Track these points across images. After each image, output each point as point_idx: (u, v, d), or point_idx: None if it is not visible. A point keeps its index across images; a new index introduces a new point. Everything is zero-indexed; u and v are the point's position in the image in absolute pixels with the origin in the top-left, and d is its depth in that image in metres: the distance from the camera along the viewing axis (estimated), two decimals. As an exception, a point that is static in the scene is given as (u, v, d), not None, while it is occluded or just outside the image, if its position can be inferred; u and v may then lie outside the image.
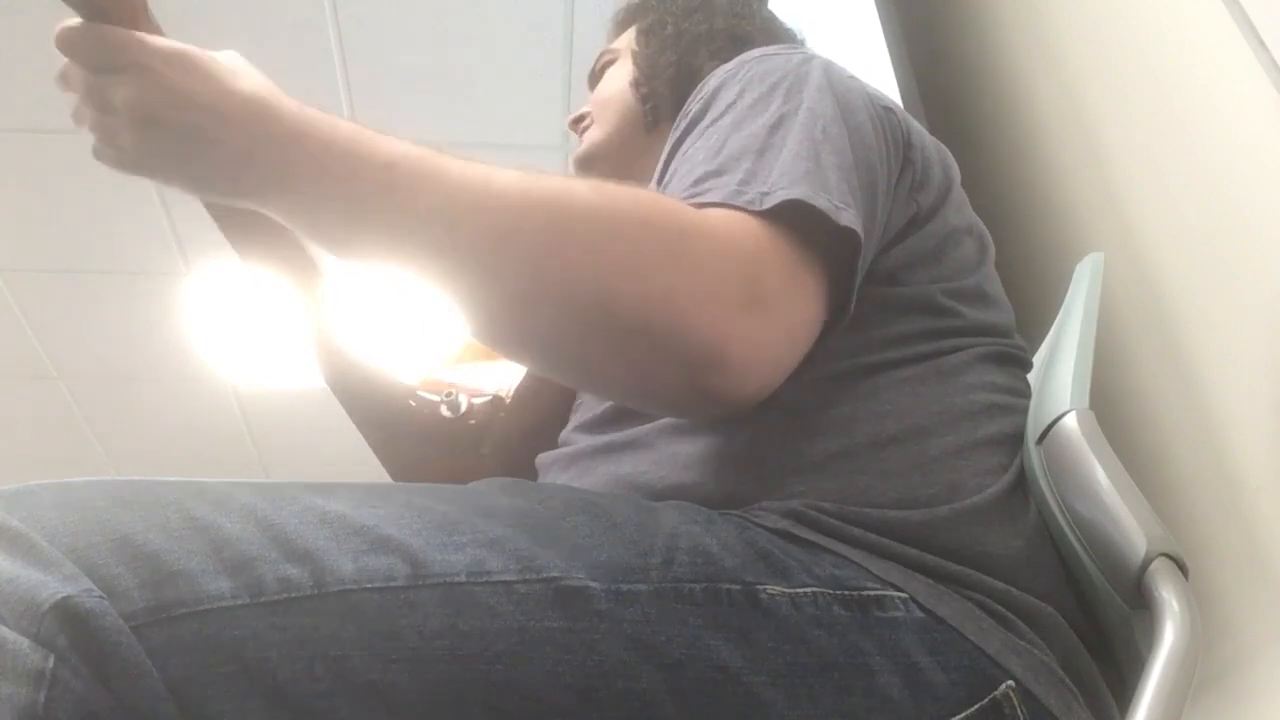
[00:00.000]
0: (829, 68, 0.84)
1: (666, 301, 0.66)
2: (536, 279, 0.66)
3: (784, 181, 0.71)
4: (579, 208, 0.67)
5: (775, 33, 1.15)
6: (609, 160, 1.11)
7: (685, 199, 0.72)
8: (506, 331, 0.71)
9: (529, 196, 0.67)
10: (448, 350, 1.12)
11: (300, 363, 3.15)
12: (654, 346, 0.66)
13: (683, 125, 0.84)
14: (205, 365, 3.22)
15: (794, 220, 0.70)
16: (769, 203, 0.70)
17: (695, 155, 0.77)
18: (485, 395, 1.04)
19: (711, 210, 0.71)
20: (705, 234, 0.68)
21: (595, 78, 1.19)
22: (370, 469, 0.99)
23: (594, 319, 0.66)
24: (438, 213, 0.66)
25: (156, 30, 0.71)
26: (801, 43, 1.18)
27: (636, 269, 0.66)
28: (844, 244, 0.72)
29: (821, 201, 0.70)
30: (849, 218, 0.71)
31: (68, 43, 0.69)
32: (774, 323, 0.69)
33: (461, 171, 0.67)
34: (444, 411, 1.02)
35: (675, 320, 0.66)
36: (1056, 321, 0.95)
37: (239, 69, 0.70)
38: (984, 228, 0.93)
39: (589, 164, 1.13)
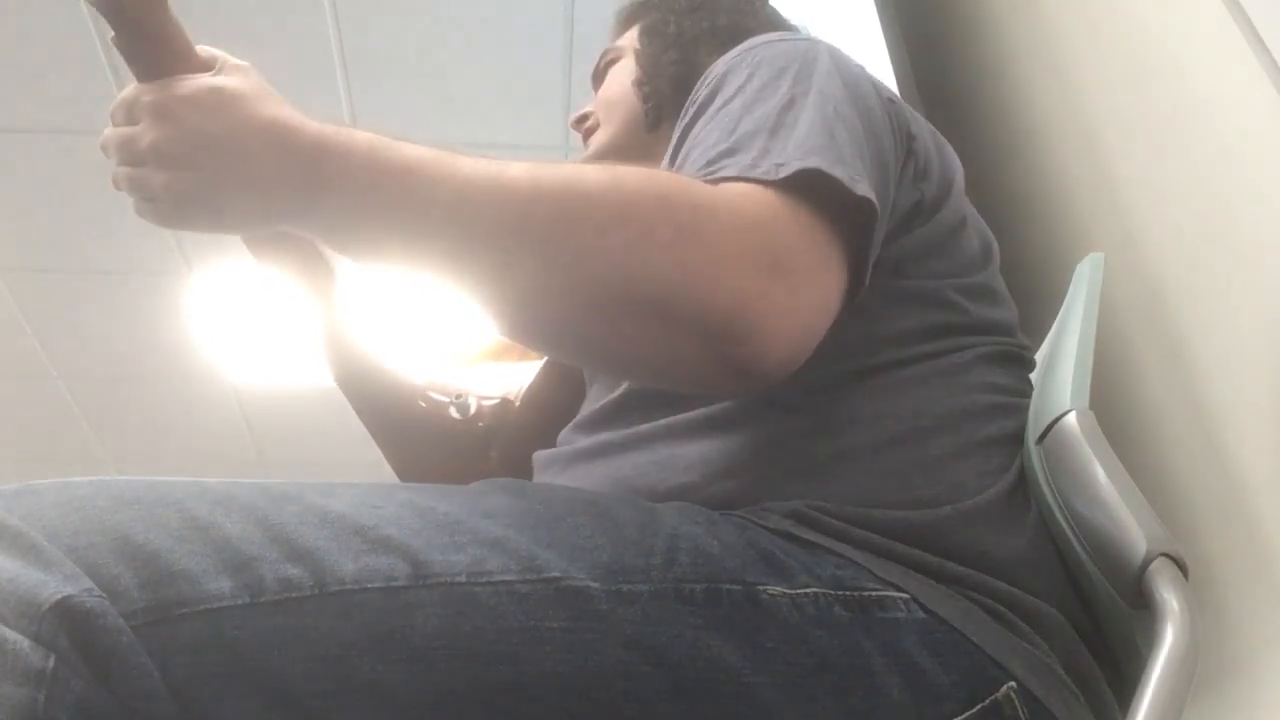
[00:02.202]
0: (835, 53, 0.84)
1: (683, 276, 0.65)
2: (552, 265, 0.66)
3: (799, 153, 0.71)
4: (589, 191, 0.67)
5: (777, 27, 1.15)
6: (615, 160, 1.10)
7: (700, 177, 0.72)
8: (530, 322, 0.71)
9: (539, 184, 0.67)
10: (457, 351, 1.12)
11: (301, 362, 3.15)
12: (676, 322, 0.66)
13: (690, 112, 0.84)
14: (206, 365, 3.22)
15: (810, 189, 0.70)
16: (784, 172, 0.69)
17: (707, 138, 0.77)
18: (494, 397, 1.04)
19: (726, 184, 0.70)
20: (720, 206, 0.68)
21: (599, 76, 1.19)
22: (371, 469, 0.99)
23: (613, 301, 0.66)
24: (452, 210, 0.67)
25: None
26: (802, 32, 1.17)
27: (651, 246, 0.66)
28: (860, 214, 0.71)
29: (839, 171, 0.70)
30: (865, 188, 0.71)
31: (111, 114, 0.73)
32: (796, 290, 0.68)
33: (473, 167, 0.68)
34: (453, 413, 1.02)
35: (694, 294, 0.65)
36: (1056, 321, 0.95)
37: (253, 93, 0.70)
38: (987, 228, 0.93)
39: None
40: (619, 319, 0.67)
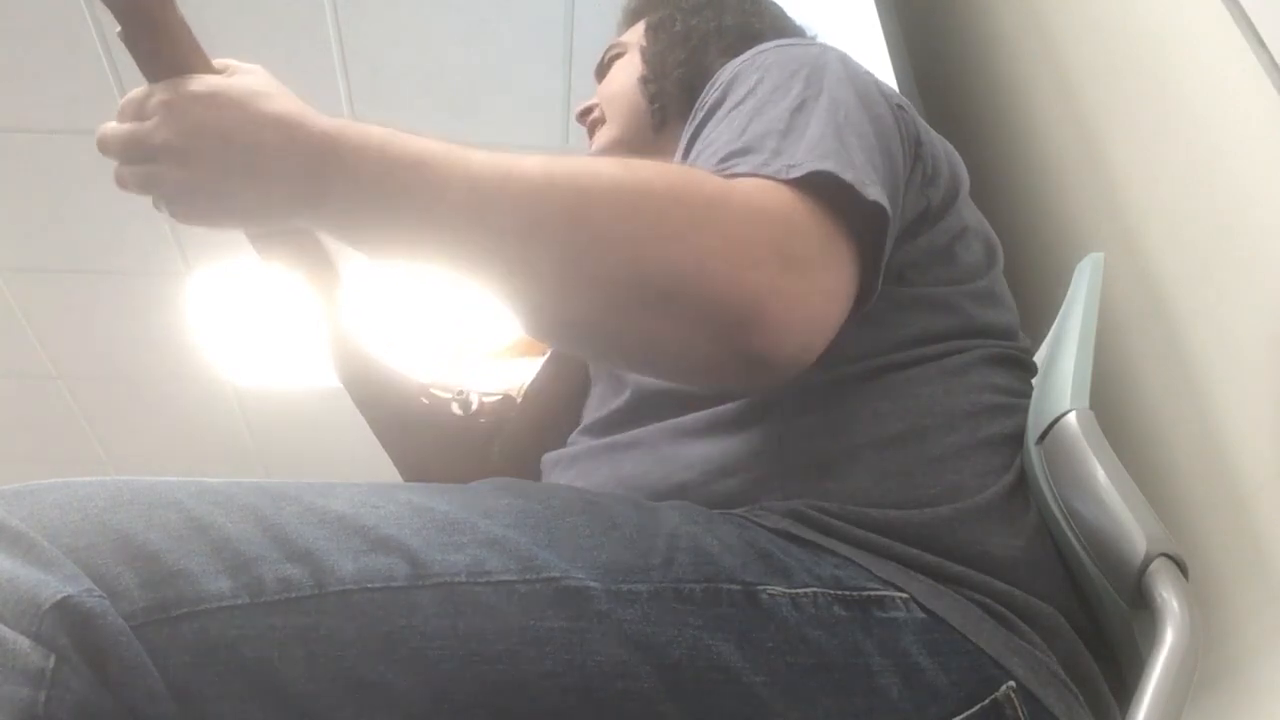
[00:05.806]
0: (845, 59, 0.85)
1: (697, 266, 0.66)
2: (565, 258, 0.67)
3: (811, 156, 0.71)
4: (602, 184, 0.67)
5: (785, 29, 1.15)
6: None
7: (713, 172, 0.72)
8: (546, 316, 0.71)
9: (553, 178, 0.67)
10: (458, 349, 1.12)
11: (300, 362, 3.15)
12: (690, 313, 0.66)
13: (700, 115, 0.84)
14: (205, 365, 3.22)
15: (823, 190, 0.70)
16: (797, 173, 0.70)
17: (718, 139, 0.77)
18: (496, 394, 1.04)
19: (740, 179, 0.71)
20: (734, 199, 0.68)
21: (603, 70, 1.18)
22: (371, 469, 0.99)
23: (627, 292, 0.66)
24: (464, 203, 0.67)
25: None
26: (813, 38, 1.17)
27: (664, 237, 0.66)
28: (872, 219, 0.71)
29: (850, 175, 0.70)
30: (876, 192, 0.71)
31: (119, 111, 0.73)
32: (809, 282, 0.68)
33: (484, 161, 0.68)
34: (455, 410, 1.02)
35: (707, 284, 0.65)
36: (1056, 321, 0.95)
37: (264, 90, 0.71)
38: (991, 232, 0.93)
39: None
40: (633, 310, 0.67)
